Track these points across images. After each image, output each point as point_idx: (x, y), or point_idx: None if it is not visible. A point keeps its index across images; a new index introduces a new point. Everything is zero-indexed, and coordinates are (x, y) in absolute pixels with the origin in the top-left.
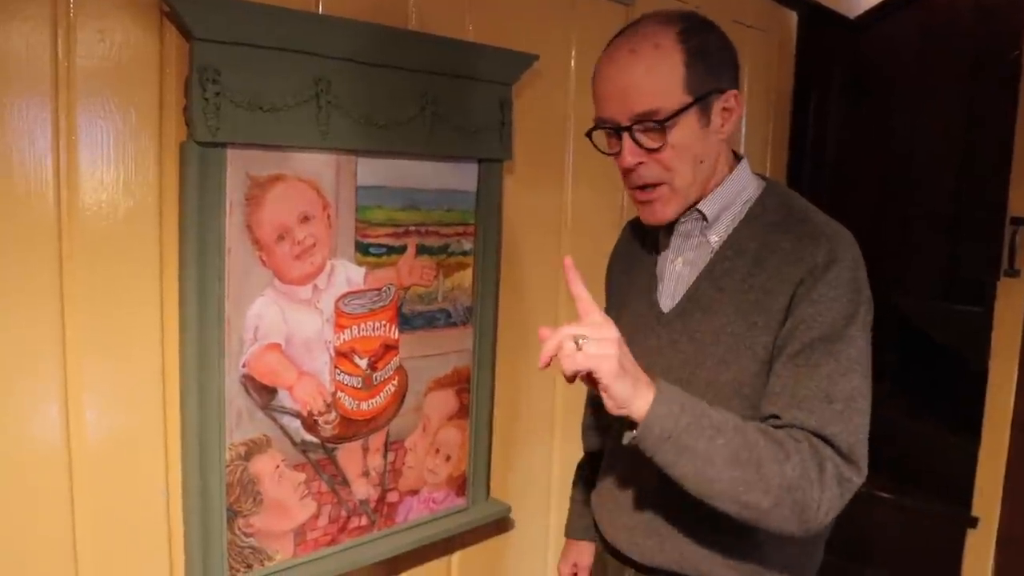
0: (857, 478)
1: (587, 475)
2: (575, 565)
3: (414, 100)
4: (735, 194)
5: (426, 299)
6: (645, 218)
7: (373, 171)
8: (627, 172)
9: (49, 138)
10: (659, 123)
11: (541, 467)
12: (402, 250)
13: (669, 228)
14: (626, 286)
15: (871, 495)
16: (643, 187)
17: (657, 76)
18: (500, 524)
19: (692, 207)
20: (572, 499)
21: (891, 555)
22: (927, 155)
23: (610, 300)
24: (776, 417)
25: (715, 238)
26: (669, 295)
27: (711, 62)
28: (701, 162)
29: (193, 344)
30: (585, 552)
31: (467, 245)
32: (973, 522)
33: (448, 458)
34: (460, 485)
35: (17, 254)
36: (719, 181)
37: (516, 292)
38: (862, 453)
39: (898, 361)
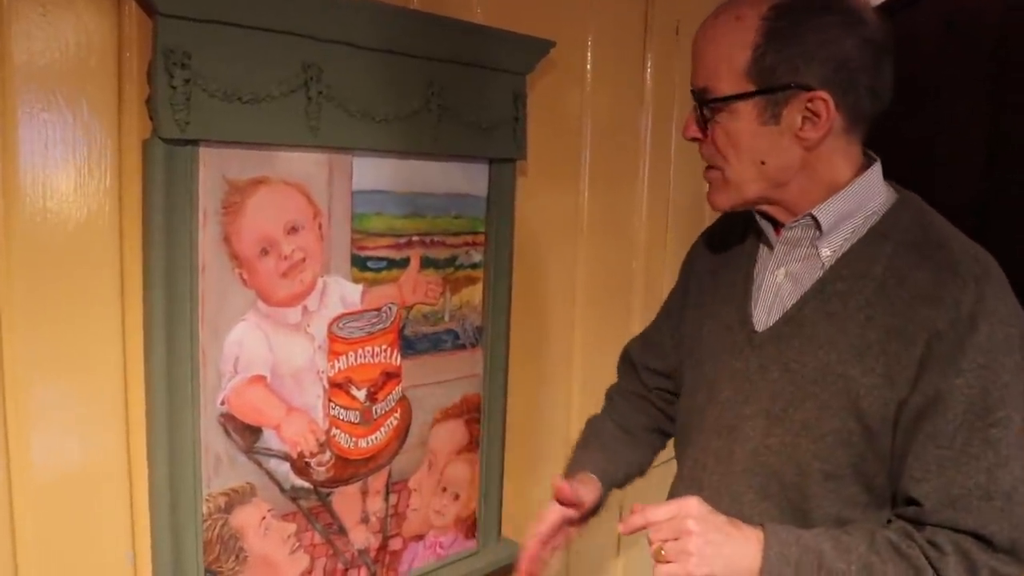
0: (1017, 570)
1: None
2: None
3: (418, 91)
4: (859, 203)
5: (431, 319)
6: (708, 200)
7: (371, 173)
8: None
9: None
10: (710, 103)
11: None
12: (404, 264)
13: (773, 231)
14: (710, 288)
15: None
16: (706, 165)
17: (718, 51)
18: (514, 567)
19: (806, 213)
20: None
21: None
22: (948, 150)
23: (687, 299)
24: (918, 504)
25: (827, 252)
26: (765, 310)
27: (796, 52)
28: (762, 162)
29: (161, 379)
30: (594, 487)
31: (477, 257)
32: None
33: (456, 497)
34: (470, 526)
35: None
36: (836, 187)
37: (529, 308)
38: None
39: None
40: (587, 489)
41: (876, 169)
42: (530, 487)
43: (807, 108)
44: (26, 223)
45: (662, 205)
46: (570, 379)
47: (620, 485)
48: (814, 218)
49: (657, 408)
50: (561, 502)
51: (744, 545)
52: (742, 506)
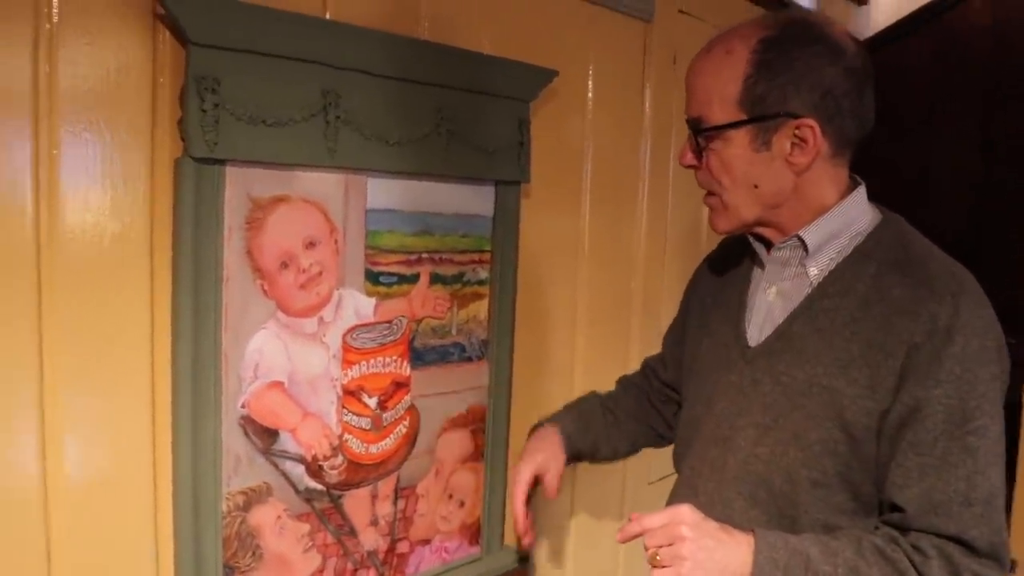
0: (998, 573)
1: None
2: (543, 465)
3: (429, 116)
4: (844, 224)
5: (440, 332)
6: (709, 223)
7: (384, 193)
8: None
9: (28, 153)
10: (702, 132)
11: (559, 512)
12: (414, 279)
13: (764, 252)
14: (711, 308)
15: None
16: (707, 192)
17: (711, 82)
18: (516, 574)
19: (794, 234)
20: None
21: None
22: (941, 180)
23: (688, 319)
24: (902, 511)
25: (815, 271)
26: (757, 327)
27: (783, 81)
28: (756, 186)
29: (187, 382)
30: (559, 451)
31: (483, 274)
32: (1012, 566)
33: (462, 504)
34: (474, 533)
35: None
36: (823, 209)
37: (532, 324)
38: (1004, 548)
39: None
40: (552, 457)
41: (861, 192)
42: (534, 496)
43: (795, 135)
44: (66, 235)
45: (660, 227)
46: (572, 392)
47: (588, 456)
48: (801, 239)
49: (651, 404)
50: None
51: (735, 549)
52: (732, 512)
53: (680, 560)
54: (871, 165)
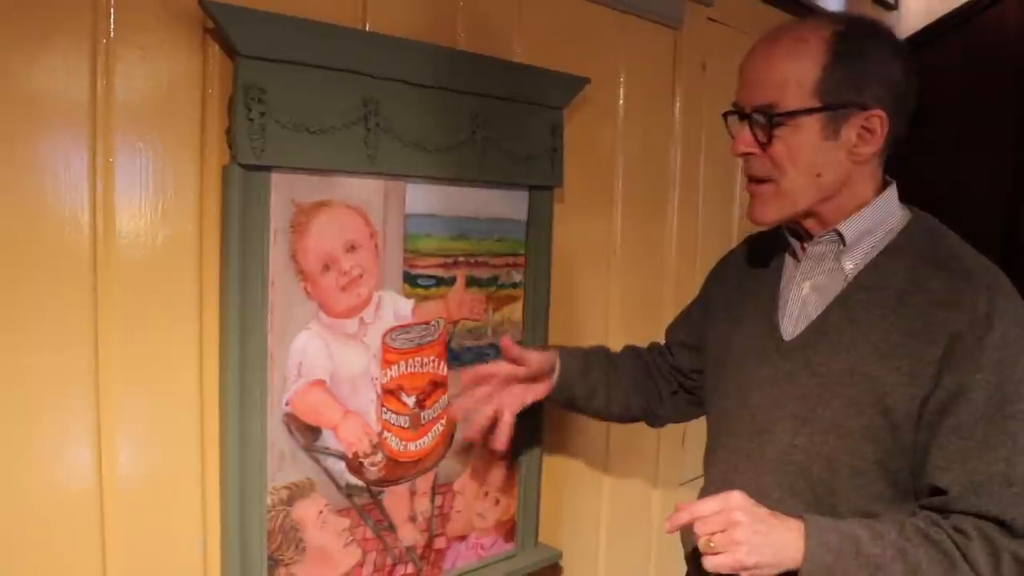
0: None
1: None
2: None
3: (465, 124)
4: (879, 221)
5: (476, 333)
6: (750, 214)
7: (422, 198)
8: (744, 159)
9: (86, 161)
10: (775, 117)
11: (591, 511)
12: (451, 282)
13: (800, 247)
14: (739, 301)
15: None
16: (754, 179)
17: (786, 70)
18: (550, 571)
19: (832, 228)
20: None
21: None
22: (975, 180)
23: (711, 311)
24: (943, 493)
25: (850, 265)
26: (792, 320)
27: (858, 73)
28: (818, 175)
29: (234, 380)
30: (546, 356)
31: (517, 277)
32: None
33: (497, 502)
34: (509, 530)
35: (50, 284)
36: (862, 204)
37: (564, 325)
38: None
39: None
40: (538, 355)
41: (893, 190)
42: (566, 496)
43: (863, 126)
44: (120, 240)
45: (691, 232)
46: None
47: (582, 400)
48: (839, 233)
49: (652, 378)
50: (505, 357)
51: (787, 534)
52: (771, 503)
53: (736, 545)
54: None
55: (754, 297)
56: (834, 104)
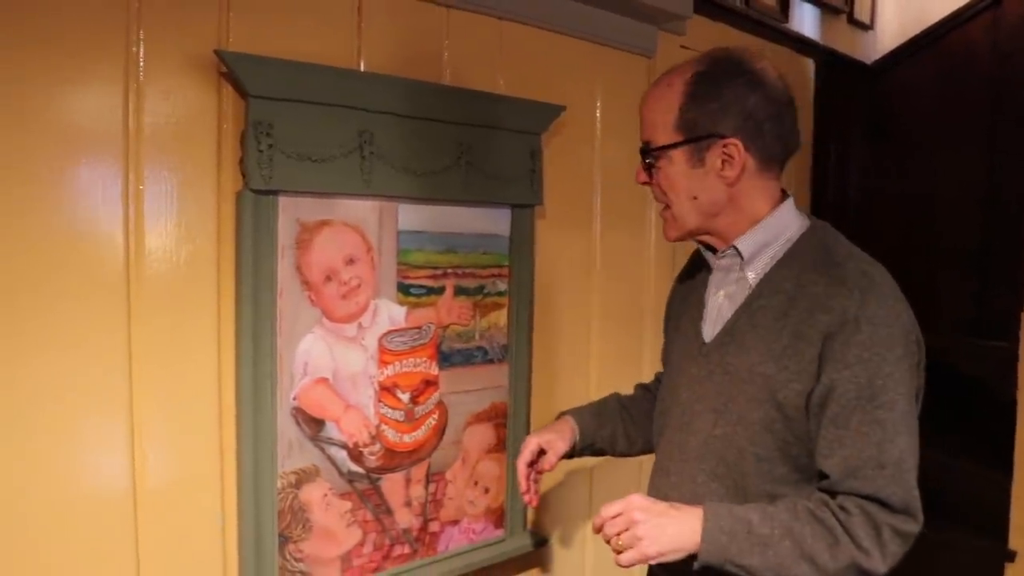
0: (914, 527)
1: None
2: (548, 441)
3: (450, 150)
4: (775, 234)
5: (464, 337)
6: (664, 234)
7: (413, 217)
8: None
9: (120, 188)
10: (651, 153)
11: (577, 500)
12: (441, 291)
13: (714, 261)
14: (681, 311)
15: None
16: (663, 207)
17: (656, 111)
18: (537, 556)
19: (730, 244)
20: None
21: None
22: (950, 195)
23: (667, 323)
24: (827, 477)
25: (752, 275)
26: (711, 325)
27: (712, 107)
28: (695, 198)
29: (248, 378)
30: (567, 434)
31: (502, 286)
32: (1011, 556)
33: (487, 490)
34: (498, 517)
35: (89, 296)
36: (756, 219)
37: (549, 330)
38: (916, 504)
39: (929, 398)
40: (563, 443)
41: (789, 203)
42: (555, 484)
43: (723, 152)
44: (149, 256)
45: (667, 246)
46: (588, 391)
47: (608, 448)
48: (737, 249)
49: None
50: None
51: (685, 523)
52: (697, 487)
53: (637, 540)
54: (882, 181)
55: (688, 306)
56: (694, 137)
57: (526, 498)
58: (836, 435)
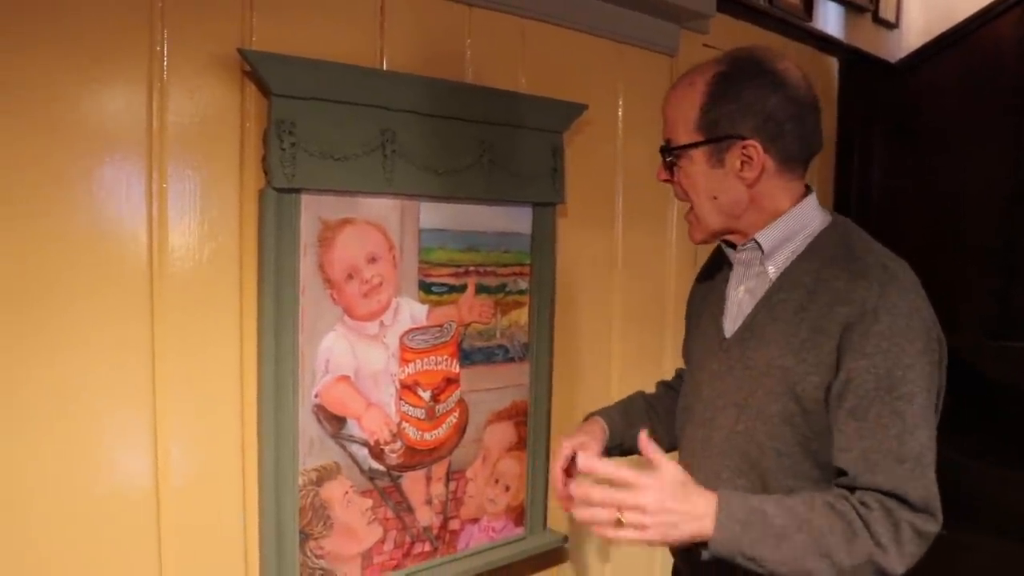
0: (934, 526)
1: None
2: (581, 444)
3: (472, 149)
4: (796, 228)
5: (485, 335)
6: (689, 236)
7: (435, 215)
8: None
9: (144, 187)
10: (672, 152)
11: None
12: (462, 289)
13: (734, 256)
14: (701, 308)
15: (936, 536)
16: (688, 208)
17: (677, 110)
18: (557, 554)
19: (751, 238)
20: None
21: None
22: (974, 194)
23: (688, 320)
24: (844, 474)
25: (772, 269)
26: (732, 320)
27: (732, 108)
28: (715, 198)
29: (270, 376)
30: (598, 435)
31: (523, 284)
32: None
33: (507, 488)
34: (519, 515)
35: (114, 292)
36: (778, 214)
37: (570, 329)
38: (936, 502)
39: (953, 400)
40: (596, 443)
41: (811, 198)
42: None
43: (742, 153)
44: (173, 253)
45: (689, 244)
46: (609, 389)
47: (634, 444)
48: (757, 242)
49: None
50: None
51: (695, 519)
52: (720, 483)
53: (643, 529)
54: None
55: (708, 303)
56: (714, 137)
57: (564, 505)
58: (854, 427)
